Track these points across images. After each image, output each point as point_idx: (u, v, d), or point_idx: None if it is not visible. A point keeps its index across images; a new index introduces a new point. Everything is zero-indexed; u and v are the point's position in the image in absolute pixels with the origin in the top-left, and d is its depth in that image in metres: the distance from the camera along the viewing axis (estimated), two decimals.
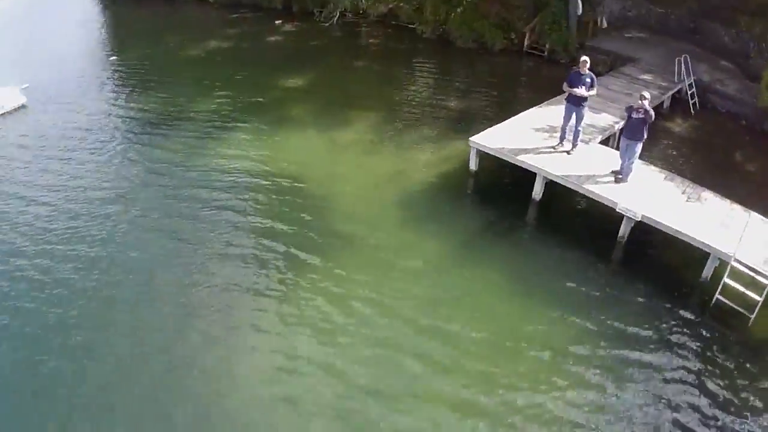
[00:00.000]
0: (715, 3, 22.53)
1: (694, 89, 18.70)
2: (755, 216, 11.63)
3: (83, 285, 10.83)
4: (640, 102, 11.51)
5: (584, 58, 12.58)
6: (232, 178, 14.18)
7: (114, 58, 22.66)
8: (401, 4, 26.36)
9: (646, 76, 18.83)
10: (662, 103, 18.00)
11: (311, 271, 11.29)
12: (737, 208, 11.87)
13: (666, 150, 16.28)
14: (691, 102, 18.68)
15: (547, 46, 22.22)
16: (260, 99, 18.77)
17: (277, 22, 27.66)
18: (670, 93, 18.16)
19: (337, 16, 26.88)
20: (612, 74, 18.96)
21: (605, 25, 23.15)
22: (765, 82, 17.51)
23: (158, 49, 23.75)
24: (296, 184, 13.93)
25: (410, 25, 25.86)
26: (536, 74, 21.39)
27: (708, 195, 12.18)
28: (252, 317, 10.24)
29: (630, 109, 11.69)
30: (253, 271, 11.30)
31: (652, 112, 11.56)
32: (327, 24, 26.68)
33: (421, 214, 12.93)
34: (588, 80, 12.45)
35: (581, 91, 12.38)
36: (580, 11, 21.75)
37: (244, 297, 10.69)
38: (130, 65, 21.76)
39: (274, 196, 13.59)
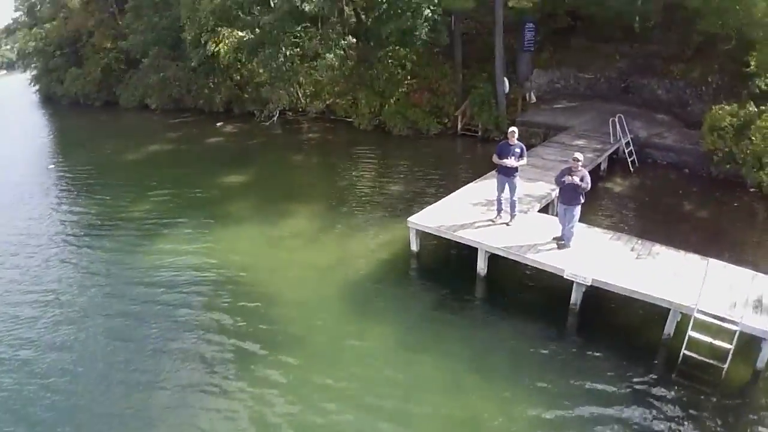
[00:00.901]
0: (647, 57, 23.47)
1: (631, 147, 18.91)
2: (713, 262, 11.18)
3: (17, 388, 10.18)
4: (570, 174, 11.24)
5: (512, 129, 12.42)
6: (172, 275, 13.60)
7: (56, 164, 22.35)
8: (337, 99, 26.84)
9: (580, 142, 19.00)
10: (599, 165, 18.05)
11: (258, 365, 10.49)
12: (693, 257, 11.43)
13: (609, 211, 16.09)
14: (629, 160, 18.83)
15: (479, 126, 22.53)
16: (200, 197, 18.38)
17: (218, 124, 27.81)
18: (606, 154, 18.26)
19: (276, 115, 27.17)
20: (545, 144, 19.09)
21: (534, 99, 23.73)
22: (707, 126, 17.79)
23: (100, 154, 23.75)
24: (237, 279, 13.27)
25: (347, 119, 26.20)
26: (472, 153, 21.48)
27: (659, 249, 11.74)
28: (197, 416, 9.41)
29: (562, 174, 11.39)
30: (197, 367, 10.53)
31: (587, 178, 11.29)
32: (267, 123, 26.89)
33: (366, 302, 12.14)
34: (517, 150, 12.21)
35: (511, 161, 12.11)
36: (507, 89, 22.27)
37: (190, 394, 9.87)
38: (72, 170, 21.66)
39: (215, 291, 12.92)
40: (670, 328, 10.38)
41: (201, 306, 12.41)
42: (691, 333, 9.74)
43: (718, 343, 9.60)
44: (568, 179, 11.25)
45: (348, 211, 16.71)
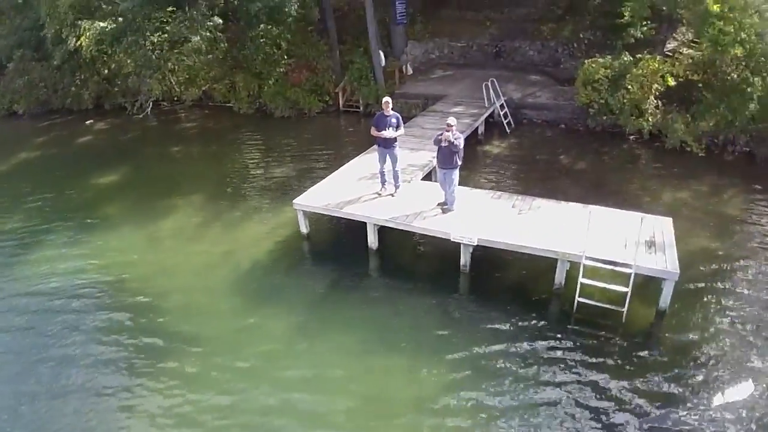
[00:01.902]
0: (518, 21, 24.08)
1: (506, 109, 19.39)
2: (597, 208, 11.50)
3: None
4: (446, 133, 11.25)
5: (386, 99, 12.28)
6: (58, 282, 12.42)
7: None
8: (214, 85, 25.63)
9: (457, 108, 19.27)
10: (477, 129, 18.41)
11: (161, 359, 9.87)
12: (575, 206, 11.82)
13: (490, 173, 16.46)
14: (505, 122, 19.32)
15: (360, 101, 22.36)
16: (77, 200, 16.87)
17: (87, 122, 25.83)
18: (482, 118, 18.62)
19: (149, 107, 25.54)
20: (424, 114, 19.22)
21: (410, 71, 23.85)
22: (580, 80, 18.45)
23: None
24: (125, 280, 12.27)
25: (227, 104, 25.16)
26: (355, 129, 21.28)
27: (540, 202, 12.09)
28: (109, 418, 8.78)
29: (438, 139, 11.43)
30: (100, 369, 9.78)
31: (460, 139, 11.32)
32: (141, 115, 25.22)
33: (261, 290, 11.63)
34: (394, 121, 12.09)
35: (389, 132, 11.97)
36: (383, 63, 22.19)
37: (98, 397, 9.20)
38: None
39: (103, 294, 11.89)
40: (560, 278, 10.72)
41: (91, 309, 11.44)
42: (582, 280, 10.06)
43: (613, 287, 9.95)
44: (443, 143, 11.29)
45: (233, 199, 16.01)
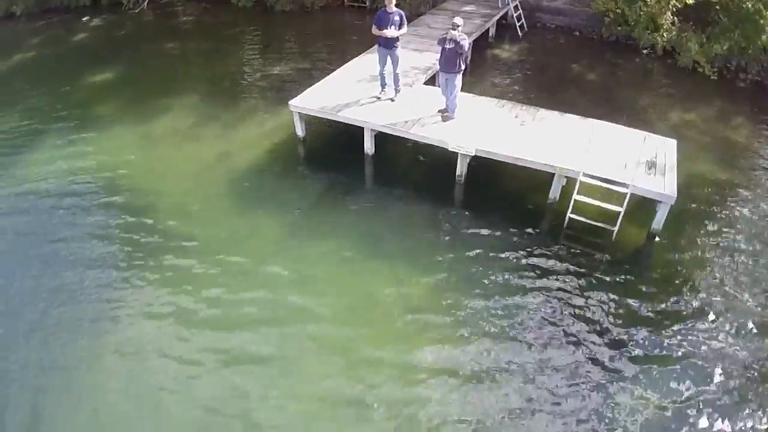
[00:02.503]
0: None
1: (520, 11, 18.35)
2: (599, 123, 11.11)
3: None
4: (452, 31, 10.55)
5: None
6: (53, 184, 12.06)
7: None
8: None
9: (468, 8, 18.22)
10: (488, 31, 17.45)
11: (163, 256, 9.87)
12: (579, 119, 11.34)
13: (497, 78, 15.74)
14: (518, 24, 18.32)
15: None
16: (66, 103, 16.05)
17: (84, 19, 24.62)
18: (494, 20, 17.63)
19: (146, 1, 24.27)
20: (433, 12, 18.18)
21: None
22: None
23: None
24: (115, 184, 11.93)
25: None
26: (360, 26, 20.05)
27: (544, 113, 11.59)
28: (119, 316, 8.78)
29: (443, 40, 10.72)
30: (104, 267, 9.73)
31: (465, 42, 10.63)
32: (137, 11, 24.01)
33: (254, 196, 11.36)
34: (396, 18, 11.32)
35: (391, 31, 11.25)
36: None
37: (105, 297, 9.15)
38: None
39: (92, 197, 11.59)
40: (555, 192, 10.45)
41: (85, 208, 11.22)
42: (576, 197, 9.78)
43: (606, 206, 9.67)
44: (448, 45, 10.60)
45: (229, 99, 15.38)
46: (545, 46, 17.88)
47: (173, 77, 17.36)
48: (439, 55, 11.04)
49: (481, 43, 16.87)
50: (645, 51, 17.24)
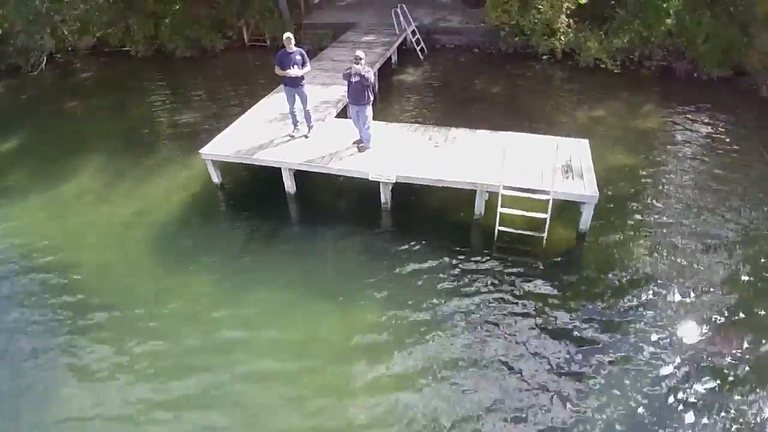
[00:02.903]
0: None
1: (417, 35, 18.66)
2: (511, 135, 11.34)
3: None
4: (355, 65, 10.55)
5: (287, 35, 11.29)
6: None
7: None
8: (109, 29, 23.38)
9: (369, 38, 18.39)
10: (390, 58, 17.65)
11: (83, 330, 9.15)
12: (491, 134, 11.54)
13: (405, 103, 15.88)
14: (417, 48, 18.61)
15: (266, 35, 20.95)
16: None
17: None
18: (394, 46, 17.86)
19: (44, 62, 23.14)
20: (334, 45, 18.21)
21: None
22: (490, 2, 17.81)
23: None
24: (30, 254, 11.10)
25: (123, 48, 23.07)
26: (264, 64, 19.86)
27: (456, 132, 11.74)
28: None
29: (348, 75, 10.69)
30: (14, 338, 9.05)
31: (370, 74, 10.64)
32: (36, 73, 22.85)
33: (178, 251, 10.83)
34: (298, 57, 11.21)
35: (294, 71, 11.13)
36: None
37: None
38: None
39: (8, 267, 10.77)
40: (480, 208, 10.54)
41: (5, 277, 10.51)
42: (501, 210, 9.88)
43: (532, 214, 9.82)
44: (353, 78, 10.59)
45: (140, 153, 14.75)
46: (447, 66, 18.25)
47: (79, 137, 16.46)
48: (346, 89, 11.01)
49: (385, 71, 17.03)
50: (544, 57, 17.88)
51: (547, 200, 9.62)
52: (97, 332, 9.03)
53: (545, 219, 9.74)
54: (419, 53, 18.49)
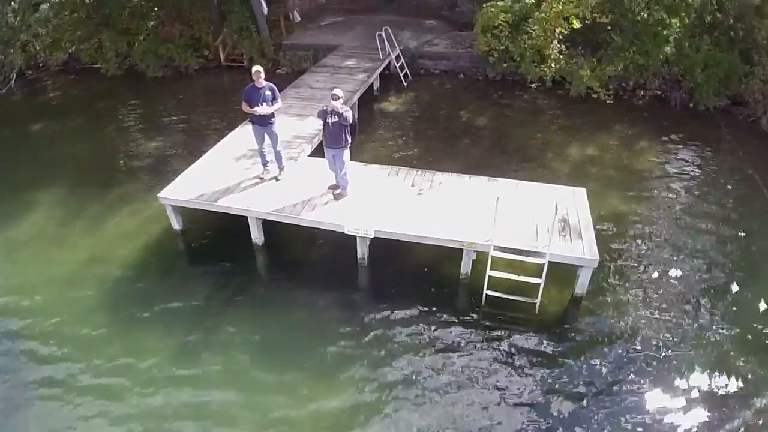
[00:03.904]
0: None
1: (402, 60, 17.45)
2: (501, 183, 10.11)
3: None
4: (332, 103, 9.23)
5: (256, 68, 9.99)
6: None
7: None
8: (81, 45, 21.87)
9: (350, 62, 17.09)
10: (372, 85, 16.36)
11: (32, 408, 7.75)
12: (480, 180, 10.34)
13: (387, 134, 14.61)
14: (401, 74, 17.38)
15: (243, 55, 19.58)
16: None
17: None
18: (377, 72, 16.56)
19: (14, 78, 21.53)
20: (313, 70, 16.85)
21: (298, 18, 21.13)
22: (479, 26, 16.65)
23: None
24: None
25: (95, 66, 21.56)
26: (241, 86, 18.00)
27: (442, 177, 10.49)
28: None
29: (324, 114, 9.38)
30: None
31: (350, 113, 9.33)
32: (4, 90, 21.25)
33: (133, 308, 9.42)
34: (268, 93, 9.90)
35: (263, 108, 9.80)
36: (265, 11, 19.42)
37: None
38: None
39: None
40: (466, 268, 9.24)
41: None
42: (490, 273, 8.62)
43: (524, 279, 8.60)
44: (330, 118, 9.28)
45: (100, 187, 13.27)
46: (431, 93, 17.01)
47: (39, 165, 14.96)
48: (322, 128, 9.69)
49: (366, 97, 15.73)
50: (533, 85, 16.71)
51: (543, 264, 8.38)
52: (39, 388, 7.93)
53: (539, 284, 8.50)
54: (403, 79, 17.24)
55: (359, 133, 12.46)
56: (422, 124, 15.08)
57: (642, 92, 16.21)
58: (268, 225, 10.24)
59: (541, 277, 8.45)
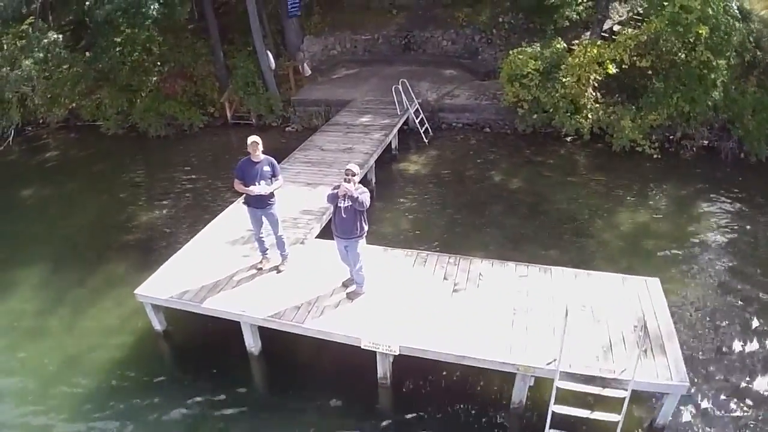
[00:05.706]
0: (427, 8, 20.30)
1: (421, 114, 15.53)
2: (556, 272, 7.99)
3: None
4: (346, 184, 7.15)
5: (252, 139, 8.04)
6: None
7: None
8: (82, 102, 20.27)
9: (365, 119, 15.17)
10: (390, 143, 14.37)
11: None
12: (528, 271, 8.11)
13: (408, 201, 12.54)
14: (421, 130, 15.42)
15: (251, 112, 17.81)
16: None
17: None
18: (395, 130, 14.59)
19: (11, 135, 19.96)
20: (324, 129, 14.88)
21: (309, 72, 19.34)
22: (505, 75, 14.77)
23: None
24: None
25: (96, 123, 19.91)
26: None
27: (481, 266, 8.32)
28: None
29: (334, 198, 7.32)
30: None
31: (366, 196, 7.25)
32: (2, 147, 19.65)
33: (110, 423, 7.52)
34: (267, 169, 7.95)
35: (261, 188, 7.82)
36: (273, 65, 17.70)
37: None
38: None
39: None
40: (520, 395, 6.94)
41: None
42: (554, 408, 6.35)
43: (598, 416, 6.31)
44: (342, 202, 7.21)
45: (84, 267, 11.32)
46: (455, 150, 14.99)
47: (24, 239, 13.04)
48: (332, 214, 7.62)
49: (384, 158, 13.74)
50: (569, 139, 14.66)
51: (623, 397, 6.12)
52: None
53: (617, 423, 6.21)
54: (423, 135, 15.28)
55: (377, 200, 10.49)
56: (448, 188, 12.99)
57: (689, 143, 14.11)
58: (265, 330, 8.08)
59: (620, 412, 6.18)
